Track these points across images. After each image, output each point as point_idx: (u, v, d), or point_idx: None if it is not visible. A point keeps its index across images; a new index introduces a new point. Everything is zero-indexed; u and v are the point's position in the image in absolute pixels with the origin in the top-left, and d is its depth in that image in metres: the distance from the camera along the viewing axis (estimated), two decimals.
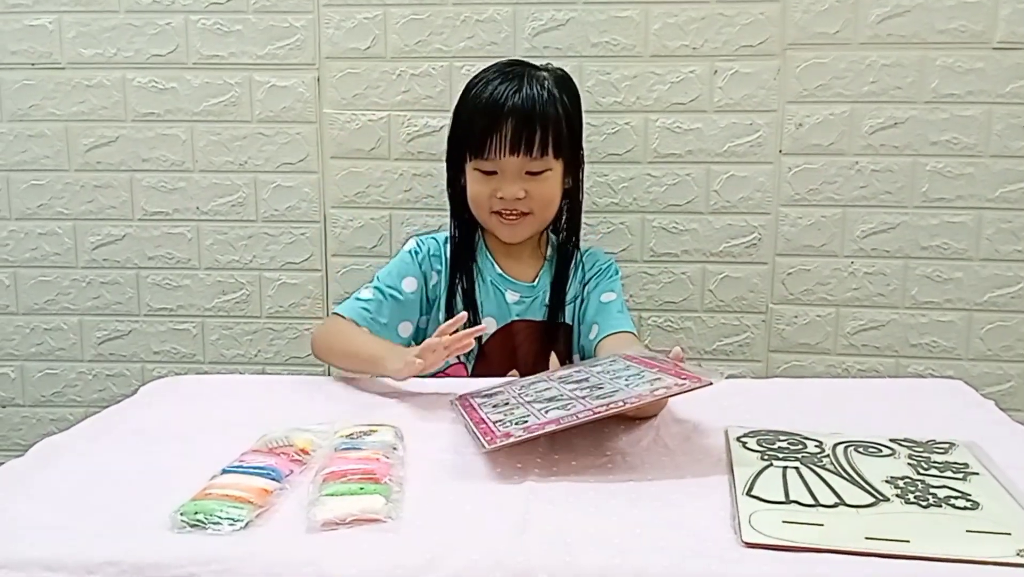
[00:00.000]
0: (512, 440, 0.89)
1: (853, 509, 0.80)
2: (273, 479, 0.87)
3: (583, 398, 0.97)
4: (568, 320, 1.45)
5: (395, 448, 0.95)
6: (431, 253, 1.46)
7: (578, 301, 1.45)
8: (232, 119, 1.81)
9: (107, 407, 1.16)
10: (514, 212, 1.37)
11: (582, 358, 1.45)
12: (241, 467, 0.89)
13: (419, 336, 1.47)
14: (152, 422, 1.10)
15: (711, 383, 0.91)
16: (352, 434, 0.99)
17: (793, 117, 1.73)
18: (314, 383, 1.31)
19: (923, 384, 1.39)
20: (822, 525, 0.77)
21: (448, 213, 1.53)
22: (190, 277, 1.88)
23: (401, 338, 1.42)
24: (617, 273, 1.48)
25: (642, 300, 1.81)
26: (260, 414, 1.10)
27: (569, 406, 0.95)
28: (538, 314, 1.45)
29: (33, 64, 1.82)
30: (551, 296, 1.44)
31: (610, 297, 1.43)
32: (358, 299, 1.40)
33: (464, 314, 1.20)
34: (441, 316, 1.44)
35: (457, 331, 1.16)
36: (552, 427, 0.90)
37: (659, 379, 0.97)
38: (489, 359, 1.40)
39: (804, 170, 1.75)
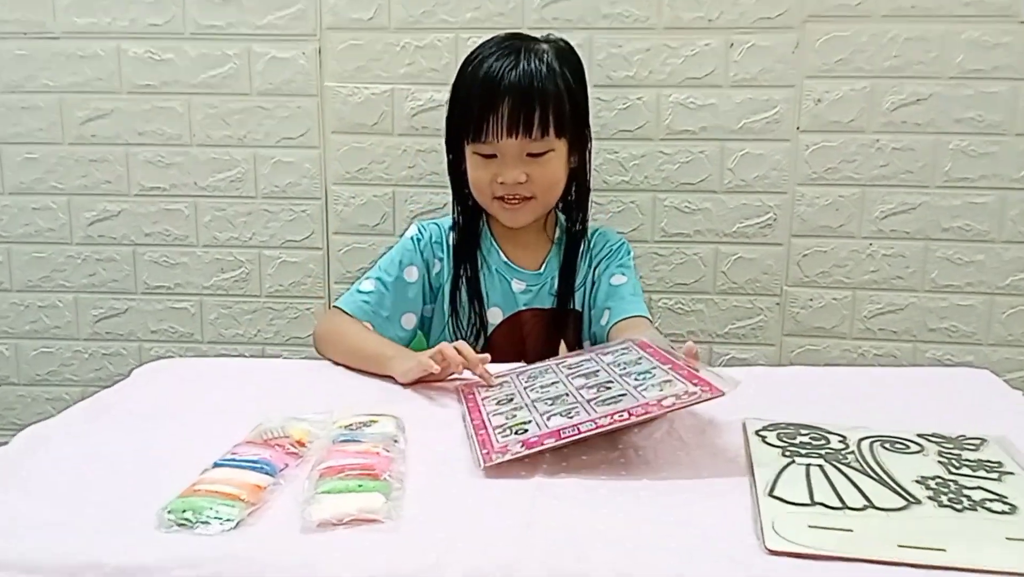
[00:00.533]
0: (509, 456, 0.85)
1: (883, 512, 0.75)
2: (267, 473, 0.83)
3: (589, 402, 0.93)
4: (578, 306, 1.40)
5: (396, 440, 0.91)
6: (433, 240, 1.40)
7: (588, 285, 1.39)
8: (230, 92, 1.76)
9: (104, 387, 1.13)
10: (516, 197, 1.30)
11: (592, 345, 1.39)
12: (233, 460, 0.85)
13: (425, 326, 1.42)
14: (143, 408, 1.05)
15: (723, 393, 0.86)
16: (351, 425, 0.94)
17: (811, 93, 1.67)
18: (313, 368, 1.25)
19: (947, 373, 1.33)
20: (851, 531, 0.72)
21: None
22: (188, 254, 1.84)
23: (405, 330, 1.37)
24: (629, 254, 1.42)
25: (653, 281, 1.76)
26: (256, 400, 1.06)
27: (573, 412, 0.92)
28: (546, 302, 1.39)
29: (26, 34, 1.76)
30: (559, 282, 1.38)
31: (621, 280, 1.37)
32: (359, 291, 1.34)
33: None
34: (445, 306, 1.39)
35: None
36: (552, 441, 0.86)
37: (669, 382, 0.92)
38: (496, 350, 1.33)
39: (822, 148, 1.69)
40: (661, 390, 0.91)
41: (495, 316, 1.39)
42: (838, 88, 1.66)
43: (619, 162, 1.72)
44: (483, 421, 0.96)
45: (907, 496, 0.78)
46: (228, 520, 0.73)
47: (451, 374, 1.13)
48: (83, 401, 1.07)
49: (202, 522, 0.73)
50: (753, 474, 0.83)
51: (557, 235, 1.41)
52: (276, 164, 1.79)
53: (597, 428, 0.87)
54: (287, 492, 0.81)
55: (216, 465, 0.84)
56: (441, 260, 1.39)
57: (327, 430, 0.94)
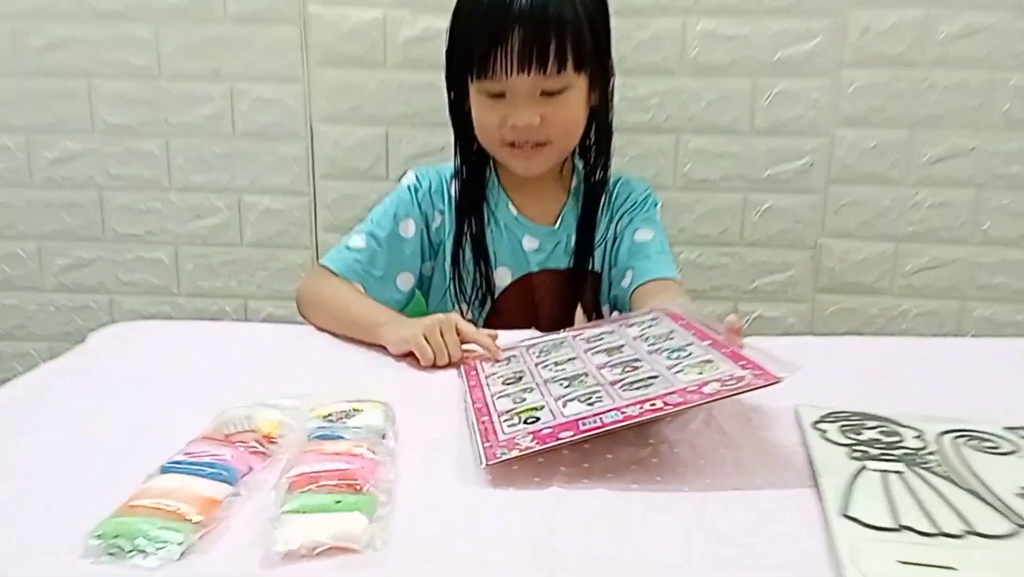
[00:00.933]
0: (516, 453, 0.72)
1: (988, 541, 0.61)
2: (225, 481, 0.69)
3: (613, 385, 0.80)
4: (597, 266, 1.27)
5: (384, 435, 0.77)
6: (432, 189, 1.26)
7: (609, 242, 1.26)
8: (203, 18, 1.65)
9: (76, 342, 1.06)
10: (529, 142, 1.16)
11: (612, 310, 1.27)
12: (185, 463, 0.71)
13: (424, 286, 1.30)
14: (90, 388, 0.92)
15: (778, 380, 0.72)
16: (331, 415, 0.80)
17: (857, 22, 1.54)
18: (295, 334, 1.13)
19: (1009, 346, 1.18)
20: (954, 569, 0.57)
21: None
22: (160, 199, 1.73)
23: (401, 292, 1.24)
24: (656, 206, 1.28)
25: (673, 232, 1.65)
26: (224, 376, 0.96)
27: (594, 397, 0.78)
28: (561, 261, 1.26)
29: None
30: (577, 239, 1.25)
31: (647, 236, 1.23)
32: (348, 248, 1.21)
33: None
34: (447, 266, 1.25)
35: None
36: (568, 435, 0.72)
37: (710, 362, 0.79)
38: (503, 316, 1.23)
39: (867, 85, 1.56)
40: (700, 372, 0.77)
41: (503, 277, 1.26)
42: (886, 17, 1.53)
43: (638, 100, 1.60)
44: (487, 404, 0.84)
45: (1015, 517, 0.64)
46: (171, 548, 0.59)
47: (451, 352, 1.00)
48: (20, 378, 0.94)
49: (138, 551, 0.59)
50: (817, 482, 0.70)
51: (574, 184, 1.28)
52: (255, 100, 1.66)
53: (624, 420, 0.72)
54: (250, 506, 0.67)
55: (164, 470, 0.70)
56: (442, 213, 1.26)
57: (302, 420, 0.80)
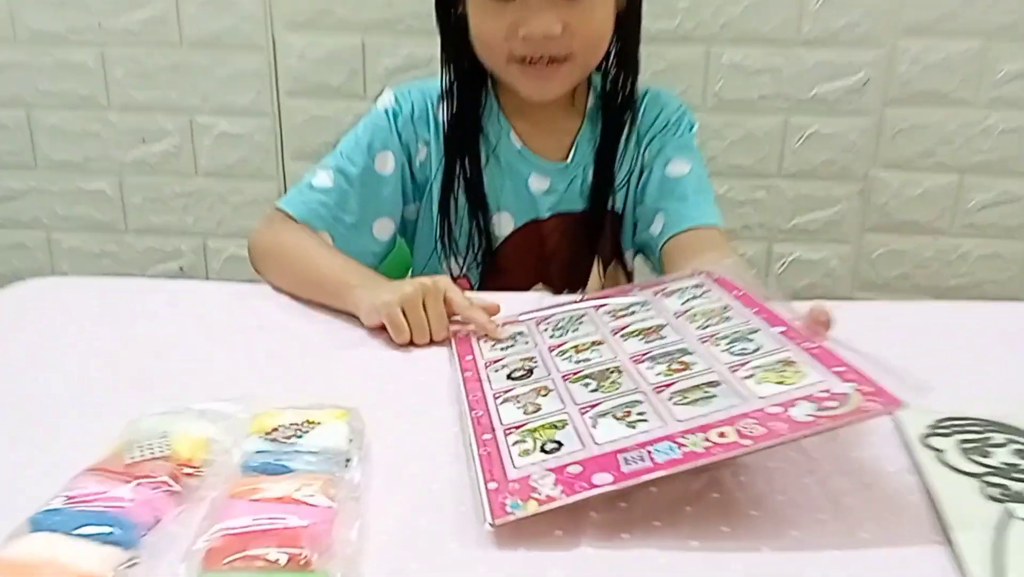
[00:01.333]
0: (532, 509, 0.53)
1: None
2: (117, 545, 0.50)
3: (657, 392, 0.61)
4: (619, 206, 1.07)
5: (348, 461, 0.59)
6: (416, 114, 1.05)
7: (635, 174, 1.06)
8: None
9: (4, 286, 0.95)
10: (545, 57, 0.96)
11: (635, 256, 1.09)
12: (63, 514, 0.52)
13: (408, 232, 1.11)
14: None
15: (900, 405, 0.53)
16: (277, 430, 0.61)
17: None
18: (244, 297, 0.94)
19: None
20: None
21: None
22: (99, 120, 1.58)
23: (379, 242, 1.06)
24: (692, 129, 1.08)
25: None
26: (145, 361, 0.79)
27: (635, 413, 0.60)
28: (576, 203, 1.07)
29: None
30: (595, 173, 1.05)
31: (682, 168, 1.02)
32: (312, 188, 1.02)
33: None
34: (434, 208, 1.06)
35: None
36: (607, 480, 0.53)
37: (792, 364, 0.60)
38: (504, 271, 1.05)
39: None
40: (780, 380, 0.59)
41: (504, 224, 1.07)
42: None
43: (663, 3, 1.45)
44: (488, 410, 0.65)
45: None
46: None
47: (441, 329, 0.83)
48: None
49: None
50: (950, 538, 0.52)
51: (590, 104, 1.06)
52: (205, 0, 1.51)
53: (684, 460, 0.53)
54: None
55: (33, 525, 0.51)
56: (427, 144, 1.05)
57: (239, 435, 0.61)
